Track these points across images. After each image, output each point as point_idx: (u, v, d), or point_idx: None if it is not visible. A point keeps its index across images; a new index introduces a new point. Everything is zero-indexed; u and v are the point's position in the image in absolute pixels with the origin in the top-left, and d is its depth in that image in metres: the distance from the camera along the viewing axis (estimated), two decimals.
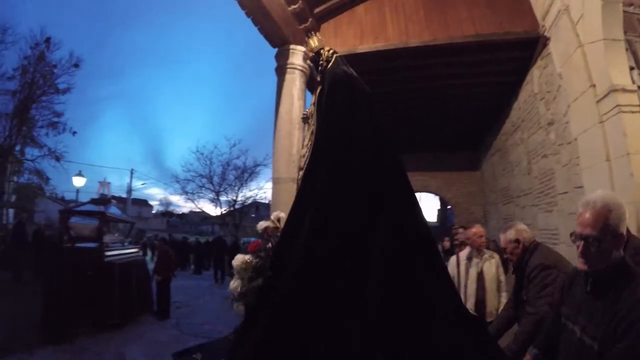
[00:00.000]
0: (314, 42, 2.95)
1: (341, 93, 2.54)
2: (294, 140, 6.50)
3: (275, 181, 6.53)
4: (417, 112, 10.37)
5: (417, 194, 19.68)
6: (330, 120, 2.49)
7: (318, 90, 2.81)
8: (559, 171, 6.31)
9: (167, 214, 51.16)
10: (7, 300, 8.95)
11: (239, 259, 2.65)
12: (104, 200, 9.75)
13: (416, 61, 7.34)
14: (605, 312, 1.56)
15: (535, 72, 7.24)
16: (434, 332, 1.84)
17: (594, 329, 1.59)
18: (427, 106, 9.90)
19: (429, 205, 52.67)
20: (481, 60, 7.40)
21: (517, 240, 2.94)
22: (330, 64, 2.75)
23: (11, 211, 18.68)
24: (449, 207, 17.69)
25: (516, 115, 8.69)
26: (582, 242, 1.63)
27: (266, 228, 2.92)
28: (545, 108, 6.79)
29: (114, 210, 9.68)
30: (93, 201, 9.62)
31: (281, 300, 1.97)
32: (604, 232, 1.57)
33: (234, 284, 2.64)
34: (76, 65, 17.34)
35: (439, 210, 24.04)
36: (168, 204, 47.71)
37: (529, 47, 6.85)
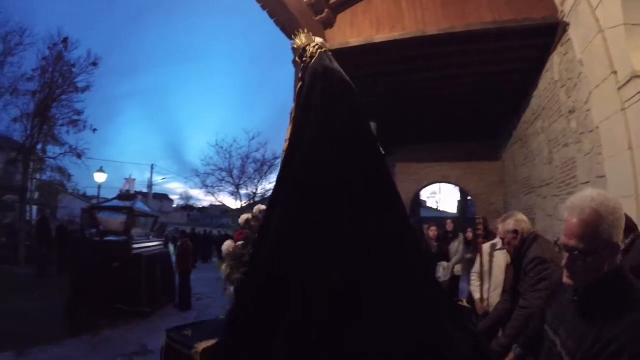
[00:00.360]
0: (300, 39, 2.96)
1: (317, 89, 2.55)
2: None
3: None
4: (435, 102, 10.29)
5: (437, 185, 19.65)
6: (303, 116, 2.54)
7: (298, 87, 2.81)
8: (580, 160, 6.18)
9: (188, 208, 51.78)
10: (32, 294, 9.24)
11: (226, 245, 2.94)
12: (130, 195, 10.10)
13: (434, 50, 7.28)
14: (589, 331, 1.34)
15: (555, 59, 7.10)
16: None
17: (574, 346, 1.40)
18: (445, 95, 9.82)
19: (449, 197, 52.34)
20: (500, 48, 7.30)
21: (515, 231, 2.89)
22: (314, 60, 2.74)
23: (35, 208, 19.13)
24: (469, 198, 17.52)
25: (537, 103, 8.55)
26: (567, 255, 1.40)
27: (247, 220, 3.18)
28: (566, 96, 6.66)
29: (139, 205, 10.16)
30: (120, 197, 10.02)
31: (257, 287, 2.21)
32: (593, 244, 1.33)
33: (224, 267, 2.93)
34: (95, 64, 17.52)
35: (459, 202, 23.88)
36: (188, 198, 48.52)
37: (548, 33, 6.73)
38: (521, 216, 2.97)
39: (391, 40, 6.87)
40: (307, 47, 2.86)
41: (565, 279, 1.45)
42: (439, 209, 36.16)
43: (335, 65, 2.74)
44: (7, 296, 8.85)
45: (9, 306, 7.97)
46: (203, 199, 56.08)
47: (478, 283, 4.69)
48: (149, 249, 9.03)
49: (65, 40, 16.77)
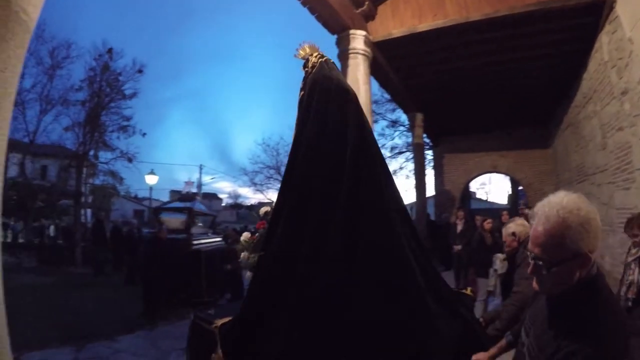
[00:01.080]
0: (304, 50, 3.10)
1: (315, 96, 2.77)
2: None
3: None
4: (482, 89, 10.09)
5: (486, 176, 19.16)
6: (304, 120, 2.80)
7: (301, 94, 2.99)
8: (636, 145, 5.90)
9: (236, 206, 52.44)
10: (89, 292, 9.64)
11: (244, 236, 3.33)
12: (189, 197, 10.92)
13: (478, 36, 7.15)
14: (552, 340, 1.27)
15: (603, 39, 6.83)
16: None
17: (536, 352, 1.35)
18: (492, 82, 9.61)
19: (499, 188, 50.85)
20: (545, 30, 7.10)
21: (514, 234, 3.23)
22: (314, 69, 2.91)
23: (89, 211, 20.02)
24: (520, 188, 17.03)
25: (587, 86, 8.24)
26: (532, 263, 1.33)
27: (266, 212, 3.47)
28: (617, 76, 6.38)
29: (198, 205, 10.94)
30: (180, 198, 10.88)
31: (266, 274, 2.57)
32: (556, 255, 1.25)
33: (243, 255, 3.30)
34: (140, 71, 18.16)
35: (509, 194, 23.25)
36: (236, 196, 49.34)
37: (595, 12, 6.48)
38: (521, 221, 3.34)
39: (434, 28, 6.80)
40: (310, 58, 3.02)
41: (534, 285, 1.38)
42: (488, 200, 35.25)
43: (334, 73, 2.90)
44: (66, 294, 9.28)
45: (69, 303, 8.33)
46: (251, 196, 56.96)
47: None
48: (208, 245, 9.67)
49: (109, 50, 17.45)
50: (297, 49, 3.15)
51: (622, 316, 1.30)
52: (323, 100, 2.74)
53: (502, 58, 8.24)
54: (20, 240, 17.76)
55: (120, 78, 17.83)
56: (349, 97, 2.80)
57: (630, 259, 3.88)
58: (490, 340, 2.33)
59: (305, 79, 3.01)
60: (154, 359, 5.52)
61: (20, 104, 15.63)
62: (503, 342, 2.04)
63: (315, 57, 3.01)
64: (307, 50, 3.10)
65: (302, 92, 2.98)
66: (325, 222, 2.41)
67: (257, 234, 3.39)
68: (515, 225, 3.31)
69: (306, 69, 3.03)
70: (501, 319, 2.86)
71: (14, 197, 15.14)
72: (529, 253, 1.35)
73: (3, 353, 1.71)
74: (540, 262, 1.29)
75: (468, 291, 3.24)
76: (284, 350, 2.15)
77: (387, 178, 2.80)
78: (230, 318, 2.51)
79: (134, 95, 18.29)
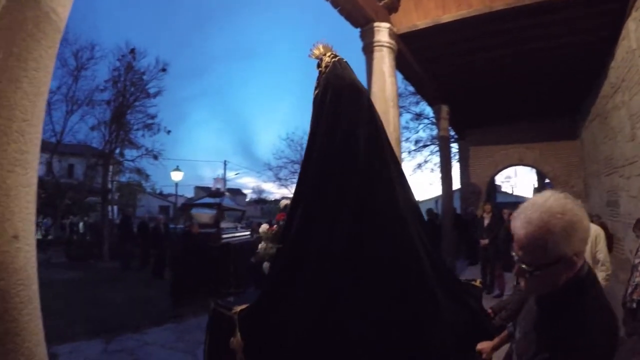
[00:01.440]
0: (318, 49, 3.20)
1: (329, 94, 2.90)
2: (390, 118, 6.35)
3: None
4: (508, 80, 9.90)
5: (512, 169, 18.85)
6: (318, 121, 2.95)
7: (315, 92, 3.11)
8: None
9: (260, 201, 52.80)
10: (117, 286, 9.85)
11: (263, 227, 3.43)
12: (218, 193, 11.35)
13: (502, 25, 6.98)
14: (536, 340, 1.28)
15: (630, 25, 6.63)
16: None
17: (522, 350, 1.35)
18: (518, 73, 9.41)
19: (524, 181, 50.19)
20: (571, 18, 6.89)
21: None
22: (328, 69, 3.03)
23: (115, 208, 20.45)
24: (547, 181, 16.69)
25: (615, 75, 8.00)
26: (517, 265, 1.29)
27: (286, 205, 3.54)
28: None
29: (227, 201, 11.47)
30: (210, 195, 11.31)
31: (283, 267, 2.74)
32: (538, 259, 1.21)
33: (262, 245, 3.37)
34: (163, 70, 18.47)
35: (535, 187, 22.82)
36: (260, 191, 49.76)
37: None
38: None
39: (458, 19, 6.67)
40: (323, 57, 3.12)
41: (522, 284, 1.34)
42: (514, 193, 34.65)
43: (347, 73, 3.02)
44: (94, 288, 9.53)
45: (98, 297, 8.55)
46: (275, 191, 57.34)
47: None
48: (237, 238, 10.11)
49: (132, 50, 17.76)
50: (311, 49, 3.23)
51: (610, 317, 1.24)
52: (335, 100, 2.85)
53: (527, 47, 8.04)
54: (49, 237, 18.25)
55: (144, 77, 18.21)
56: (361, 96, 2.94)
57: (637, 260, 3.86)
58: (497, 330, 2.35)
59: (319, 78, 3.13)
60: (182, 352, 5.60)
61: (46, 105, 15.98)
62: (505, 332, 2.05)
63: (329, 56, 3.10)
64: (321, 49, 3.18)
65: (317, 91, 3.09)
66: (334, 219, 2.54)
67: (275, 225, 3.48)
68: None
69: (320, 69, 3.13)
70: (507, 309, 2.86)
71: (43, 195, 15.56)
72: (513, 254, 1.31)
73: (39, 346, 1.76)
74: (524, 266, 1.25)
75: (477, 282, 3.30)
76: (294, 343, 2.30)
77: (399, 176, 2.93)
78: (247, 305, 2.64)
79: (158, 93, 18.65)
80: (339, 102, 2.83)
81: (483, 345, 2.02)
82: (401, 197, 2.73)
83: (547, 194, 1.28)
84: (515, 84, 10.14)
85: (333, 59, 3.06)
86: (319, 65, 3.16)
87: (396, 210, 2.62)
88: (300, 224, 2.70)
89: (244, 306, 2.60)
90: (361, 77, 6.80)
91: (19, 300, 1.68)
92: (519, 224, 1.26)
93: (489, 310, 2.88)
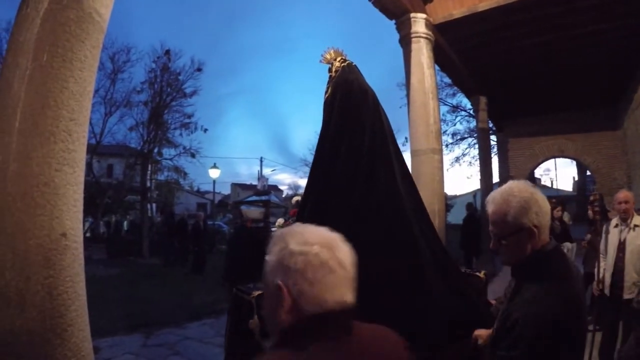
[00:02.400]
0: (330, 54, 3.30)
1: (337, 97, 3.05)
2: (430, 110, 6.22)
3: (414, 154, 6.27)
4: (547, 69, 9.49)
5: (550, 161, 18.27)
6: (328, 124, 3.10)
7: (325, 96, 3.22)
8: None
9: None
10: (157, 282, 10.11)
11: (279, 222, 3.61)
12: (265, 191, 11.75)
13: (541, 12, 6.68)
14: (506, 308, 1.48)
15: None
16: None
17: (499, 320, 1.51)
18: (557, 61, 9.01)
19: (564, 174, 48.68)
20: (612, 1, 6.51)
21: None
22: (338, 73, 3.16)
23: (154, 205, 20.98)
24: (588, 173, 16.04)
25: None
26: (492, 239, 1.58)
27: (297, 201, 3.76)
28: None
29: (273, 198, 12.36)
30: (256, 192, 11.71)
31: None
32: (502, 229, 1.50)
33: None
34: (199, 69, 18.74)
35: (575, 180, 22.03)
36: (297, 187, 50.18)
37: None
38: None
39: (496, 6, 6.38)
40: (334, 62, 3.24)
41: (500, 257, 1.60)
42: (554, 187, 33.51)
43: (353, 76, 3.13)
44: (135, 284, 9.74)
45: (138, 293, 8.72)
46: None
47: (602, 264, 4.36)
48: None
49: (167, 52, 18.09)
50: (322, 54, 3.35)
51: (571, 288, 1.43)
52: (343, 105, 3.02)
53: (567, 34, 7.66)
54: (89, 235, 18.86)
55: (180, 77, 18.48)
56: (367, 97, 3.08)
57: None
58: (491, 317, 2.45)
59: (329, 83, 3.25)
60: (220, 346, 5.63)
61: None
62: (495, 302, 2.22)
63: (339, 61, 3.23)
64: (332, 54, 3.31)
65: (327, 95, 3.21)
66: (337, 219, 2.55)
67: (290, 220, 3.54)
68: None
69: (330, 73, 3.25)
70: (505, 293, 2.84)
71: (84, 194, 16.07)
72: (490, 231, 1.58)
73: (85, 341, 1.80)
74: (494, 236, 1.54)
75: (482, 274, 3.32)
76: None
77: (403, 177, 3.05)
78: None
79: (194, 93, 18.93)
80: (346, 106, 3.02)
81: (480, 332, 2.08)
82: (404, 194, 2.91)
83: (510, 182, 1.58)
84: (555, 73, 9.70)
85: (342, 64, 3.20)
86: (329, 70, 3.29)
87: (397, 208, 2.81)
88: (308, 222, 2.81)
89: (261, 291, 2.69)
90: (399, 69, 6.73)
91: (67, 297, 1.71)
92: (488, 205, 1.56)
93: (493, 300, 2.90)
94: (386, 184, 2.84)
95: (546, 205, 1.50)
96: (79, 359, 1.73)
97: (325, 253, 1.01)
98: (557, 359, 1.30)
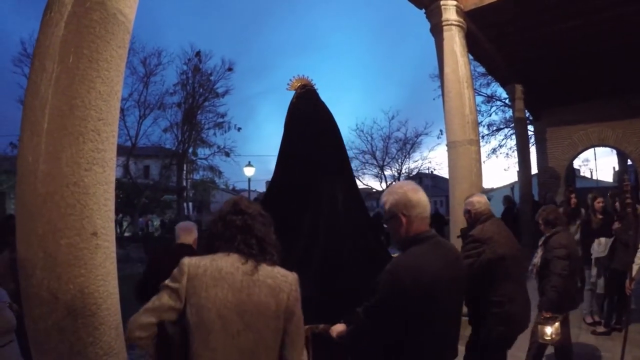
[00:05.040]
0: (293, 83, 3.94)
1: (291, 123, 3.87)
2: (465, 99, 6.01)
3: (451, 145, 6.07)
4: (586, 52, 8.94)
5: (590, 151, 17.46)
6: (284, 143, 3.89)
7: (286, 116, 3.94)
8: None
9: None
10: None
11: None
12: None
13: None
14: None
15: None
16: None
17: None
18: (596, 43, 8.47)
19: (603, 164, 46.94)
20: None
21: (468, 212, 3.25)
22: (294, 100, 3.87)
23: (190, 204, 21.42)
24: (629, 163, 15.18)
25: None
26: None
27: None
28: None
29: None
30: None
31: None
32: (384, 215, 1.92)
33: None
34: (230, 69, 19.05)
35: (616, 170, 20.98)
36: None
37: None
38: (478, 198, 3.28)
39: None
40: (297, 90, 3.91)
41: None
42: (593, 178, 32.04)
43: (303, 102, 3.84)
44: None
45: None
46: None
47: (637, 260, 4.21)
48: None
49: (198, 53, 18.46)
50: (288, 83, 3.99)
51: (419, 265, 1.73)
52: (295, 127, 3.79)
53: (605, 15, 7.17)
54: (127, 234, 19.42)
55: (212, 78, 18.86)
56: (322, 114, 3.84)
57: None
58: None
59: (289, 108, 3.90)
60: None
61: (120, 110, 17.06)
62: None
63: (299, 88, 3.89)
64: (295, 83, 3.94)
65: (288, 114, 3.90)
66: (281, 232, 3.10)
67: None
68: (469, 204, 3.27)
69: (293, 99, 3.89)
70: None
71: (121, 195, 16.56)
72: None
73: (118, 339, 1.82)
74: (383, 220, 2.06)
75: None
76: None
77: (346, 187, 3.73)
78: None
79: (226, 92, 19.33)
80: (294, 130, 3.77)
81: (337, 327, 2.20)
82: (341, 207, 3.53)
83: (400, 182, 2.18)
84: (593, 57, 9.15)
85: (301, 91, 3.85)
86: (294, 95, 3.91)
87: (333, 220, 3.42)
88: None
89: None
90: (432, 59, 6.50)
91: (98, 296, 1.72)
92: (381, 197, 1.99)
93: None
94: (325, 202, 3.48)
95: (416, 199, 1.83)
96: (111, 357, 1.74)
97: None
98: (397, 310, 1.67)
